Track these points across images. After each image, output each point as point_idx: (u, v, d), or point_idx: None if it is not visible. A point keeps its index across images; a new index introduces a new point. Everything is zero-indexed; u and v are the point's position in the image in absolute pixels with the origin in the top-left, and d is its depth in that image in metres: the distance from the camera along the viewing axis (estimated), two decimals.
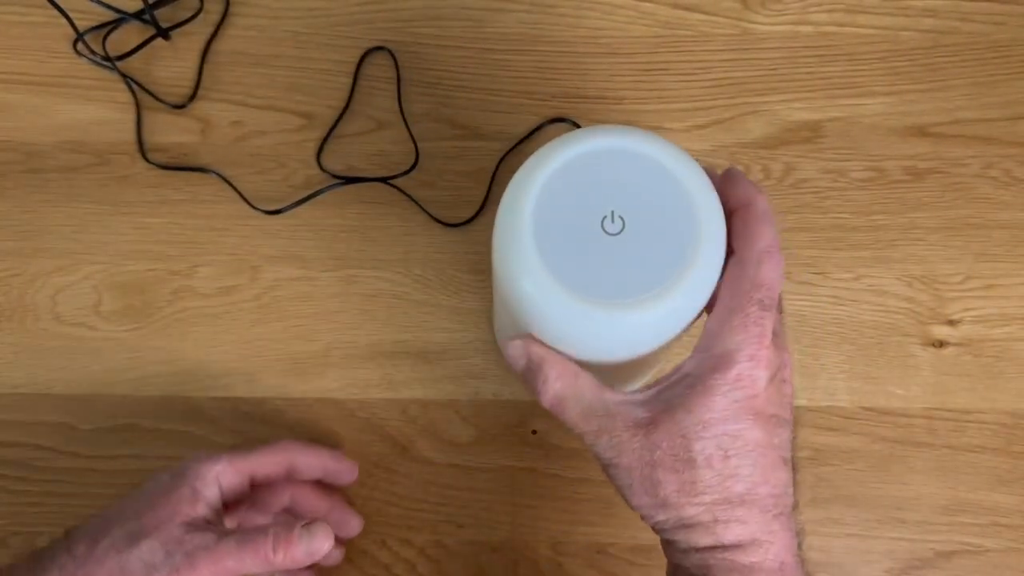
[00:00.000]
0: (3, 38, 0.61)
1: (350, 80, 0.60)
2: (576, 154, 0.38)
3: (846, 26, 0.61)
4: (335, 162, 0.59)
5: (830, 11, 0.61)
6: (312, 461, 0.49)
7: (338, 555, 0.51)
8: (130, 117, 0.59)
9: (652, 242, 0.36)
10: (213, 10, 0.61)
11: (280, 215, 0.57)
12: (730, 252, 0.37)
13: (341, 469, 0.50)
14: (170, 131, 0.59)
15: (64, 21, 0.58)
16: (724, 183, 0.38)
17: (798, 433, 0.54)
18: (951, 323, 0.56)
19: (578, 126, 0.59)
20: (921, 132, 0.59)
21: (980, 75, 0.60)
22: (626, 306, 0.36)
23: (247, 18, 0.61)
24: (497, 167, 0.58)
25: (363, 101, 0.60)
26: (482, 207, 0.58)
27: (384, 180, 0.58)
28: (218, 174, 0.58)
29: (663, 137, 0.39)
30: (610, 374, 0.47)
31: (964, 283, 0.56)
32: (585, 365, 0.40)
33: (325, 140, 0.58)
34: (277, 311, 0.56)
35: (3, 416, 0.55)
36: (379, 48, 0.60)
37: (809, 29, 0.61)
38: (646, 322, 0.36)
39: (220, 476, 0.44)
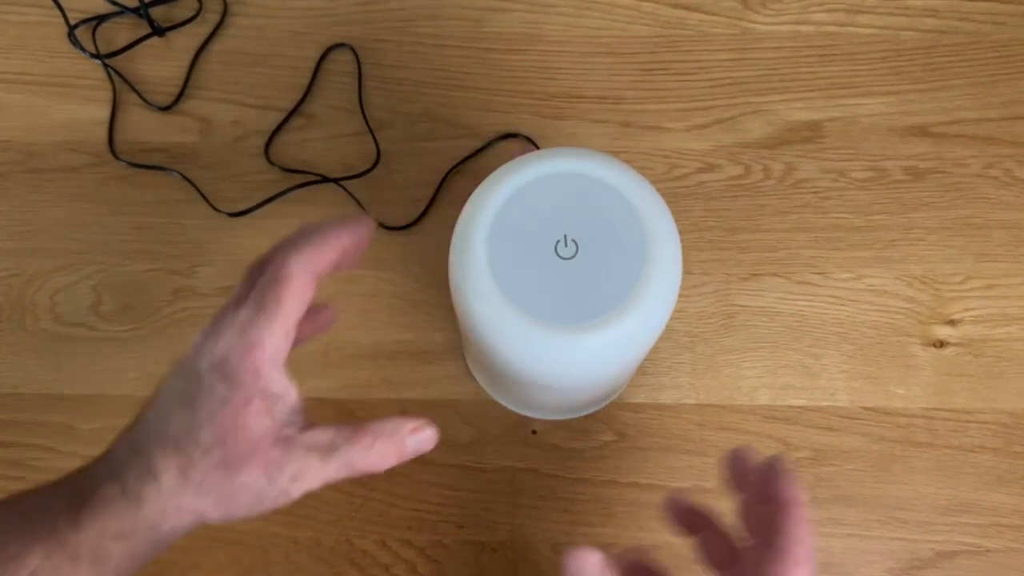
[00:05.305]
0: (2, 38, 0.61)
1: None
2: (530, 179, 0.38)
3: (846, 26, 0.61)
4: (333, 161, 0.59)
5: (830, 11, 0.61)
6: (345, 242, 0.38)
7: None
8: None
9: (605, 266, 0.37)
10: (213, 10, 0.61)
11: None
12: (760, 540, 0.36)
13: (361, 231, 0.38)
14: (170, 131, 0.59)
15: (63, 21, 0.58)
16: (766, 473, 0.37)
17: (798, 432, 0.54)
18: (951, 323, 0.55)
19: (532, 141, 0.58)
20: (921, 132, 0.59)
21: (980, 75, 0.60)
22: (580, 330, 0.36)
23: (246, 18, 0.61)
24: (443, 179, 0.58)
25: (363, 100, 0.60)
26: (425, 212, 0.57)
27: (334, 180, 0.58)
28: (180, 174, 0.58)
29: (618, 159, 0.39)
30: (570, 396, 0.47)
31: (964, 283, 0.56)
32: (544, 388, 0.40)
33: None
34: None
35: (3, 416, 0.54)
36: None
37: (809, 29, 0.61)
38: (600, 345, 0.37)
39: (276, 356, 0.35)
